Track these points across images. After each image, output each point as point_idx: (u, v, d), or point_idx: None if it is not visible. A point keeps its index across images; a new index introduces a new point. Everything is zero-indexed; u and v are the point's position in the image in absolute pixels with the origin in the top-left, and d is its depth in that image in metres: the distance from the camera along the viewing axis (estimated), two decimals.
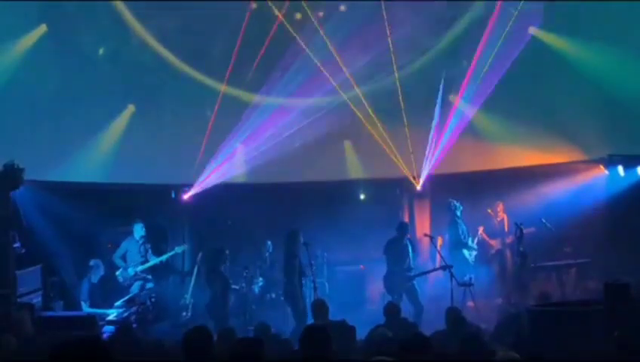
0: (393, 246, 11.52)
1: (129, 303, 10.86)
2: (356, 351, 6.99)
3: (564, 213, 12.17)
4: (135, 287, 11.72)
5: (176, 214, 13.48)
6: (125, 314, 10.51)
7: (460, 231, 12.69)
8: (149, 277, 11.96)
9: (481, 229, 13.22)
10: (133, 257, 11.90)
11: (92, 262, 11.36)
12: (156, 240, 12.33)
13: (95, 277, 11.27)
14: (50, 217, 11.45)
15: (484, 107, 13.54)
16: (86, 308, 10.87)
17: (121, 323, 9.44)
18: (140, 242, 11.92)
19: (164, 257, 12.01)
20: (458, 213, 12.67)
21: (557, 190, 12.84)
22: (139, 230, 12.00)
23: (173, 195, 13.67)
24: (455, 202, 12.67)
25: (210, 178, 13.31)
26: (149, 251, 11.97)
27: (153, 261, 11.91)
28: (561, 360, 6.10)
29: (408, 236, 11.86)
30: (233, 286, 11.74)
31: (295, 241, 10.89)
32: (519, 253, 11.28)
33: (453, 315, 7.77)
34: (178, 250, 12.19)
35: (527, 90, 12.97)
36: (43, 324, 8.92)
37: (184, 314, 11.89)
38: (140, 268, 11.81)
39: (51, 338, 6.34)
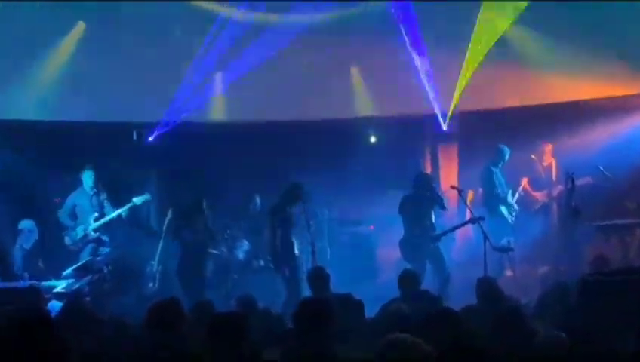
0: (410, 204, 11.47)
1: (81, 272, 10.86)
2: (364, 330, 7.01)
3: (627, 160, 12.14)
4: (86, 252, 11.75)
5: (138, 160, 13.48)
6: (76, 286, 10.53)
7: (497, 184, 12.68)
8: (105, 238, 11.99)
9: (524, 181, 13.20)
10: (85, 213, 11.91)
11: (22, 225, 11.33)
12: (117, 191, 12.31)
13: (28, 243, 11.26)
14: None
15: (528, 27, 13.37)
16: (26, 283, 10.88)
17: (71, 297, 9.46)
18: (91, 193, 11.92)
19: (120, 211, 11.95)
20: (501, 162, 12.66)
21: (619, 131, 12.77)
22: (88, 179, 11.93)
23: (134, 136, 13.63)
24: (505, 148, 12.65)
25: (181, 115, 13.26)
26: (105, 203, 11.97)
27: (108, 216, 11.91)
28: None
29: (429, 191, 11.76)
30: (211, 251, 11.78)
31: (294, 198, 10.88)
32: (570, 208, 11.22)
33: (487, 287, 7.79)
34: (137, 201, 12.05)
35: (582, 6, 12.78)
36: None
37: (150, 284, 11.98)
38: (92, 225, 11.84)
39: None
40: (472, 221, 11.16)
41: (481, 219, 10.75)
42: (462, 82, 13.37)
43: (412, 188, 11.60)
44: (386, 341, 3.73)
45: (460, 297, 9.25)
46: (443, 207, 11.67)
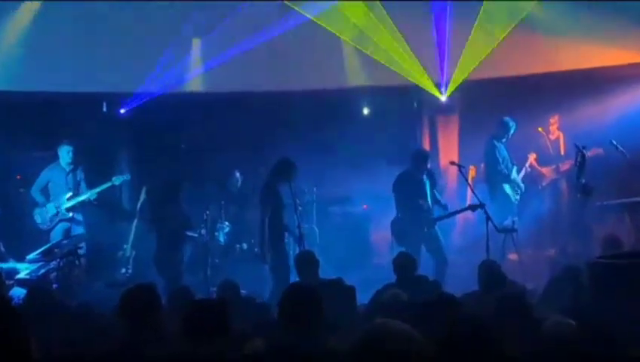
0: (405, 182, 11.48)
1: (47, 255, 10.84)
2: (357, 318, 7.02)
3: None
4: (57, 232, 11.83)
5: (109, 134, 13.40)
6: (42, 271, 10.52)
7: (501, 159, 12.67)
8: (79, 218, 12.05)
9: (532, 157, 13.21)
10: (59, 190, 12.00)
11: None
12: (95, 169, 12.30)
13: None
14: None
15: None
16: None
17: (35, 283, 9.43)
18: (68, 170, 11.97)
19: (97, 190, 12.05)
20: (505, 136, 12.64)
21: (633, 101, 12.80)
22: (65, 155, 12.00)
23: (104, 108, 13.57)
24: (510, 121, 12.63)
25: (155, 85, 13.19)
26: (82, 182, 12.03)
27: (83, 195, 11.98)
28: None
29: (427, 168, 11.73)
30: (189, 233, 11.76)
31: (285, 176, 10.77)
32: (580, 185, 11.24)
33: (490, 271, 7.82)
34: (116, 181, 12.20)
35: None
36: None
37: (123, 270, 11.98)
38: (65, 204, 11.89)
39: None
40: (471, 208, 11.18)
41: (482, 206, 10.70)
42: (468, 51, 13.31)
43: (408, 165, 11.58)
44: (371, 328, 3.51)
45: (460, 283, 9.27)
46: (436, 187, 11.73)
